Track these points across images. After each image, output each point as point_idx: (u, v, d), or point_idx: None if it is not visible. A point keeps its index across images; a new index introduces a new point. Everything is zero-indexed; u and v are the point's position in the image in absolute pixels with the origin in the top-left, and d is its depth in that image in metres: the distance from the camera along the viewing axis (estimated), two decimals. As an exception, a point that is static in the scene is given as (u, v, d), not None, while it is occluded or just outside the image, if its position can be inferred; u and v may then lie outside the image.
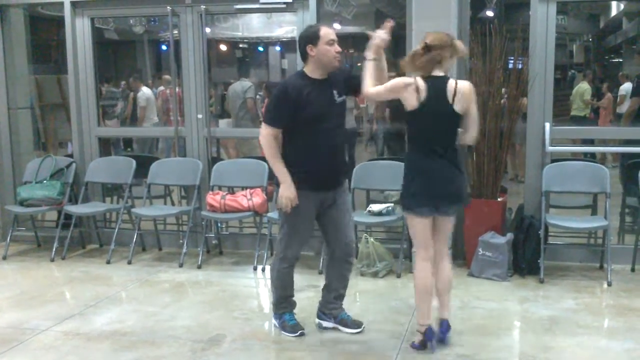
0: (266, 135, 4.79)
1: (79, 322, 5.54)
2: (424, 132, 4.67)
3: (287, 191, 4.77)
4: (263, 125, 4.83)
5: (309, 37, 4.79)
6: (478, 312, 5.56)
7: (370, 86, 4.71)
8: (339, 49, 4.82)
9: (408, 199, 4.70)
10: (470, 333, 5.08)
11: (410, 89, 4.55)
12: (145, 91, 12.02)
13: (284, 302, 5.19)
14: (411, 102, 4.56)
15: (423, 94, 4.54)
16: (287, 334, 5.09)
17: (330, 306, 5.20)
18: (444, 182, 4.63)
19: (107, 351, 4.94)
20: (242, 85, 10.89)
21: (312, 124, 4.76)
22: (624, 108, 12.99)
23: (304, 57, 4.86)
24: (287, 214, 4.85)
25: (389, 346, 4.88)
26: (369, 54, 4.75)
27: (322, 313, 5.24)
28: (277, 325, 5.21)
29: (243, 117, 10.75)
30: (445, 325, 4.83)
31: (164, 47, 15.42)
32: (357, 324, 5.17)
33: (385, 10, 11.91)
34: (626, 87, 13.30)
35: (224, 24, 11.69)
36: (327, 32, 4.78)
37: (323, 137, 4.79)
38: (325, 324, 5.21)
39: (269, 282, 6.72)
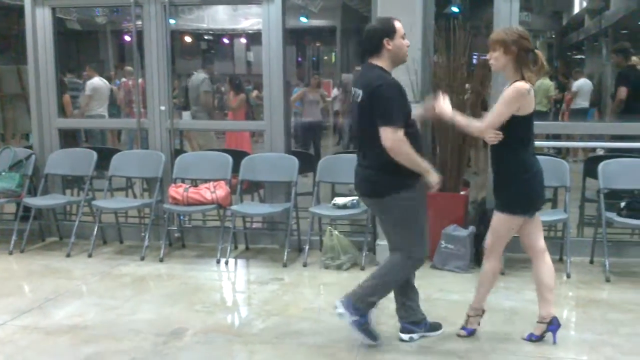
0: (399, 138, 4.40)
1: (38, 316, 5.47)
2: (532, 135, 4.61)
3: (436, 177, 4.61)
4: (390, 129, 4.39)
5: (386, 30, 4.60)
6: (440, 304, 5.62)
7: (478, 123, 4.59)
8: (408, 42, 4.73)
9: (528, 201, 4.66)
10: (432, 325, 5.13)
11: (531, 93, 4.43)
12: (94, 80, 11.61)
13: (377, 303, 4.80)
14: (529, 107, 4.44)
15: (533, 96, 4.47)
16: (366, 337, 4.74)
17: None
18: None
19: (67, 345, 4.88)
20: (197, 78, 10.83)
21: (409, 121, 4.57)
22: (577, 104, 13.22)
23: (377, 50, 4.60)
24: (414, 211, 4.65)
25: (351, 338, 4.84)
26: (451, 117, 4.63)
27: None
28: (355, 322, 4.69)
29: (198, 110, 10.72)
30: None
31: (127, 38, 15.28)
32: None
33: (351, 3, 11.97)
34: (579, 83, 13.49)
35: (188, 15, 11.64)
36: (401, 26, 4.66)
37: (415, 133, 4.60)
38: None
39: (232, 274, 6.75)
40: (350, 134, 4.40)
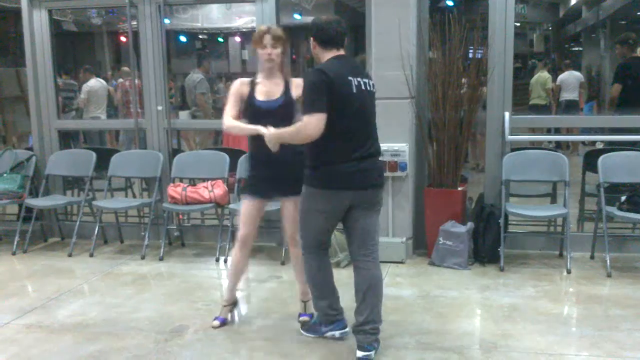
0: None
1: (41, 315, 5.51)
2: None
3: None
4: None
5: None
6: (439, 301, 5.59)
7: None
8: None
9: None
10: (432, 321, 5.11)
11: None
12: (90, 83, 11.57)
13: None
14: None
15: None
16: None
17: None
18: None
19: (70, 343, 4.90)
20: (193, 79, 10.80)
21: None
22: (563, 97, 13.20)
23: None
24: None
25: (351, 335, 4.81)
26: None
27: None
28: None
29: (196, 110, 10.69)
30: None
31: (123, 39, 15.27)
32: None
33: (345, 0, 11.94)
34: (563, 77, 13.45)
35: (183, 14, 11.62)
36: None
37: None
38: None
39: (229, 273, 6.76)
40: (359, 126, 4.08)
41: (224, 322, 5.17)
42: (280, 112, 4.76)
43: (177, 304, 5.70)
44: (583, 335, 4.82)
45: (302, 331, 4.97)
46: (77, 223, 7.53)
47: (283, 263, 6.74)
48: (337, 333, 4.84)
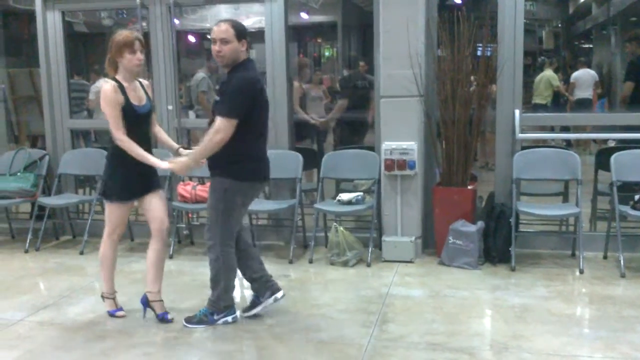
0: None
1: (54, 313, 5.55)
2: None
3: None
4: None
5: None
6: (449, 301, 5.54)
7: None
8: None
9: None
10: (442, 321, 5.07)
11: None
12: (97, 85, 11.28)
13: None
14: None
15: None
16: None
17: None
18: None
19: (82, 341, 4.94)
20: (196, 78, 10.82)
21: None
22: (576, 95, 13.12)
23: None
24: None
25: (360, 334, 4.87)
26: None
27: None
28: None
29: (198, 110, 10.68)
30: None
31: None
32: None
33: (352, -2, 11.96)
34: (577, 74, 13.37)
35: (192, 15, 11.62)
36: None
37: None
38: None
39: (238, 271, 6.76)
40: (266, 126, 4.82)
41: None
42: (148, 116, 5.17)
43: (186, 301, 5.69)
44: (596, 336, 4.77)
45: (191, 326, 5.09)
46: (89, 221, 7.59)
47: (291, 262, 6.74)
48: (230, 318, 5.13)
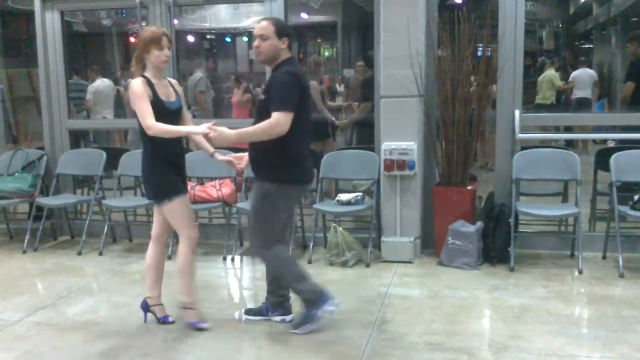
0: None
1: (52, 313, 5.55)
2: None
3: None
4: None
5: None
6: (448, 301, 5.54)
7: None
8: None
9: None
10: (441, 321, 5.07)
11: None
12: (95, 84, 11.53)
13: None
14: None
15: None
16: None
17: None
18: None
19: (80, 341, 4.93)
20: (194, 78, 10.81)
21: None
22: (575, 95, 13.12)
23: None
24: None
25: (359, 335, 4.87)
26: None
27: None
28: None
29: (195, 110, 10.68)
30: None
31: (132, 39, 15.32)
32: None
33: (352, -2, 11.96)
34: (576, 74, 13.37)
35: (191, 15, 11.64)
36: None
37: None
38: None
39: (238, 271, 6.75)
40: (310, 124, 4.71)
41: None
42: (178, 114, 4.99)
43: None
44: (595, 336, 4.77)
45: (300, 331, 4.93)
46: (87, 222, 7.60)
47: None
48: (329, 307, 4.92)
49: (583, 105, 12.96)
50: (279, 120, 4.48)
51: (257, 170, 4.80)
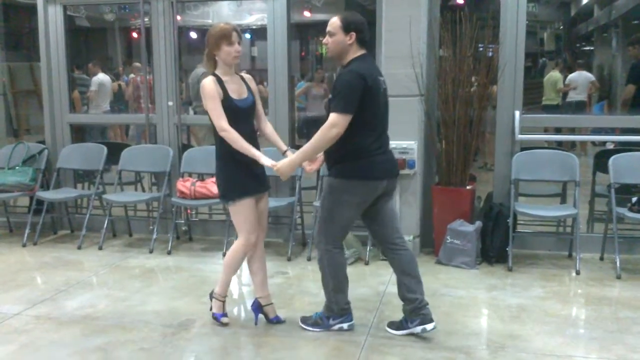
0: None
1: (51, 307, 5.55)
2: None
3: None
4: None
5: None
6: (446, 300, 5.57)
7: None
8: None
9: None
10: (439, 320, 5.03)
11: None
12: (99, 77, 11.61)
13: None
14: None
15: None
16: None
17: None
18: None
19: (78, 335, 4.94)
20: (196, 73, 10.80)
21: None
22: (571, 97, 13.15)
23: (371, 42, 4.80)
24: None
25: (357, 332, 4.88)
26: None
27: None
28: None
29: (197, 106, 10.67)
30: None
31: (135, 35, 15.34)
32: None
33: (355, -4, 11.94)
34: (572, 76, 13.39)
35: (194, 11, 11.64)
36: None
37: None
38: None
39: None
40: (383, 124, 4.42)
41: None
42: (251, 111, 4.90)
43: (184, 298, 5.71)
44: (592, 337, 4.79)
45: (306, 327, 4.97)
46: (87, 216, 7.61)
47: (289, 259, 6.75)
48: (345, 325, 4.91)
49: (579, 108, 12.99)
50: (334, 122, 4.42)
51: (327, 166, 4.76)
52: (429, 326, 4.73)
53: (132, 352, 4.64)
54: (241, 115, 4.76)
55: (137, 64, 12.03)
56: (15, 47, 12.41)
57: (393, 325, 4.91)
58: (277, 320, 5.09)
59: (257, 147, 4.82)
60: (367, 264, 6.54)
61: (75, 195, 7.97)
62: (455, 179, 6.65)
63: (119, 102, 12.75)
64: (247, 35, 16.43)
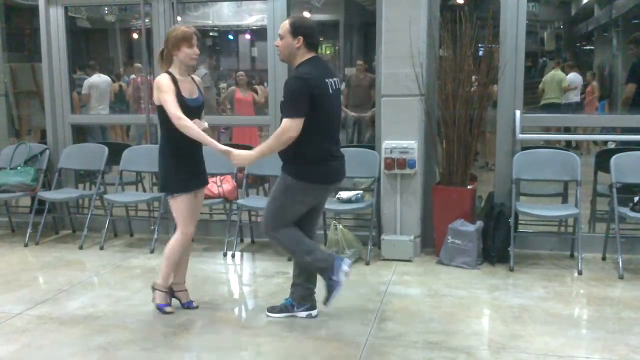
0: None
1: (52, 307, 5.55)
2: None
3: None
4: None
5: None
6: (447, 300, 5.55)
7: None
8: None
9: None
10: (440, 321, 5.07)
11: None
12: (90, 79, 11.46)
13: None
14: None
15: None
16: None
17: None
18: None
19: (80, 335, 4.94)
20: (198, 74, 10.79)
21: None
22: (567, 98, 13.19)
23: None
24: None
25: (358, 332, 4.88)
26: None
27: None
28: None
29: None
30: None
31: (135, 36, 15.35)
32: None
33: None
34: (570, 77, 13.42)
35: (194, 12, 11.65)
36: None
37: None
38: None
39: (238, 267, 6.76)
40: (334, 125, 4.65)
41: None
42: (200, 110, 5.17)
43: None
44: (594, 337, 4.77)
45: (271, 314, 5.16)
46: (89, 216, 7.61)
47: (290, 259, 6.71)
48: (313, 312, 5.15)
49: (576, 108, 13.02)
50: (286, 127, 4.59)
51: (283, 162, 4.87)
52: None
53: (133, 351, 4.63)
54: (191, 113, 4.94)
55: (138, 65, 12.04)
56: (17, 48, 12.39)
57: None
58: (189, 306, 5.36)
59: (200, 146, 5.08)
60: (367, 264, 6.53)
61: (77, 196, 7.99)
62: (456, 178, 6.64)
63: (120, 102, 12.74)
64: (247, 36, 16.45)
